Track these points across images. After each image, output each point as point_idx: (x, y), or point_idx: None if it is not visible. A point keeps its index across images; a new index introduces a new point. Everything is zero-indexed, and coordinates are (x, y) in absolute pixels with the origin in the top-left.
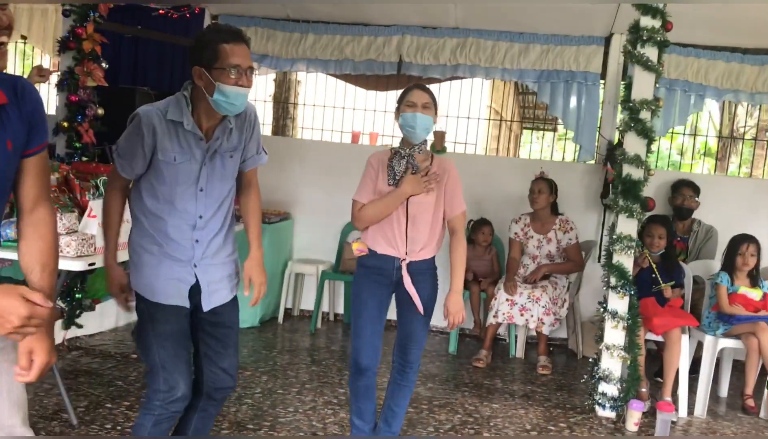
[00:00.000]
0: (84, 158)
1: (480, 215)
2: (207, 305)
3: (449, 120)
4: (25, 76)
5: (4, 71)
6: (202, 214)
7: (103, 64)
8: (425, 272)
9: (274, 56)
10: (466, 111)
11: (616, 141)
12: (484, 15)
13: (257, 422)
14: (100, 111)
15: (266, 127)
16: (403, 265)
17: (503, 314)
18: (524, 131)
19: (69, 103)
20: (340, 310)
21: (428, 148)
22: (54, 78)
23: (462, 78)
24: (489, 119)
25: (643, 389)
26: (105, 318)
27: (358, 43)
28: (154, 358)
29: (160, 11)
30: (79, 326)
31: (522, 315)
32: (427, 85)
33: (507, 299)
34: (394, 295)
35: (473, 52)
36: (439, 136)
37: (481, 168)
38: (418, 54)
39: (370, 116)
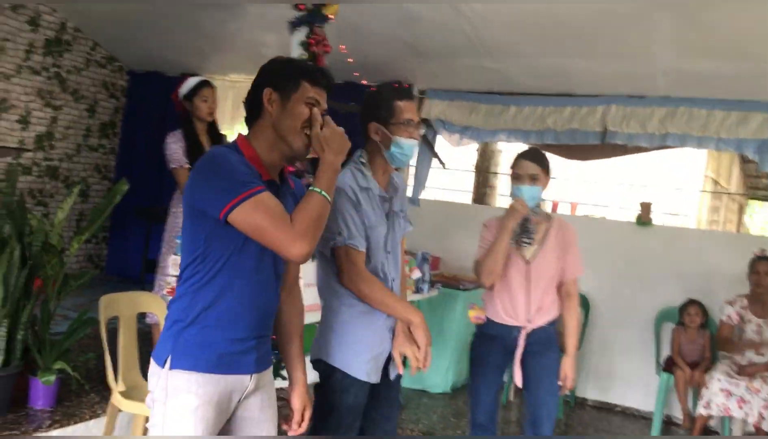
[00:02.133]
0: None
1: (690, 295)
2: (395, 372)
3: (658, 190)
4: None
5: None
6: (394, 277)
7: None
8: (549, 342)
9: (476, 127)
10: (679, 181)
11: None
12: (696, 83)
13: None
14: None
15: (467, 195)
16: (523, 333)
17: (717, 405)
18: (751, 202)
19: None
20: None
21: (546, 210)
22: None
23: (671, 147)
24: (705, 191)
25: None
26: (308, 372)
27: (560, 113)
28: (332, 427)
29: (372, 88)
30: (284, 378)
31: (740, 408)
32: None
33: (722, 389)
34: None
35: (684, 120)
36: (645, 207)
37: (692, 243)
38: (624, 123)
39: (571, 185)
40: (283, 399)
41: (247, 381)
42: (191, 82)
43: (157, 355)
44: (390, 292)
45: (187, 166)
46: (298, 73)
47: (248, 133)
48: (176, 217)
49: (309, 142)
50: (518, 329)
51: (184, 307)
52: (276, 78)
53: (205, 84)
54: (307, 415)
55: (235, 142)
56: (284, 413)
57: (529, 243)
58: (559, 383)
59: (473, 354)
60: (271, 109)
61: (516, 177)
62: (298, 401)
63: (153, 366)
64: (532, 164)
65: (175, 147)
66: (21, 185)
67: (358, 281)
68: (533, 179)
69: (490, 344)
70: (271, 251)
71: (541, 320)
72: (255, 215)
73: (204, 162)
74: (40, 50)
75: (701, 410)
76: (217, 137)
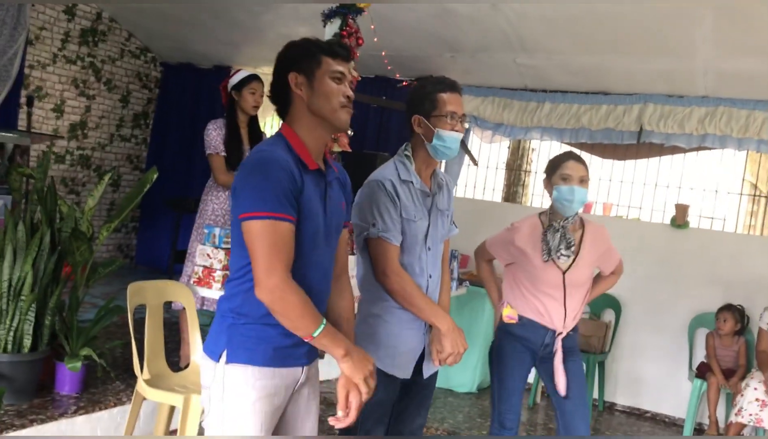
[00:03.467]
0: None
1: (726, 300)
2: (429, 371)
3: (695, 192)
4: None
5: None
6: (431, 273)
7: (349, 132)
8: (575, 347)
9: (509, 124)
10: (717, 183)
11: None
12: (737, 82)
13: None
14: None
15: (497, 193)
16: (559, 339)
17: (750, 414)
18: None
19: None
20: None
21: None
22: None
23: (710, 148)
24: (742, 194)
25: None
26: (333, 367)
27: (596, 111)
28: (359, 420)
29: (404, 82)
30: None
31: None
32: (664, 152)
33: (757, 399)
34: (540, 371)
35: (724, 121)
36: (681, 209)
37: (730, 247)
38: (661, 122)
39: (605, 186)
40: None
41: (299, 374)
42: (242, 73)
43: (210, 350)
44: (422, 293)
45: (223, 154)
46: (317, 50)
47: (288, 121)
48: (206, 205)
49: (351, 113)
50: (551, 333)
51: (237, 304)
52: (296, 60)
53: (255, 77)
54: (354, 403)
55: (280, 132)
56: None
57: (568, 256)
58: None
59: (500, 353)
60: (301, 92)
61: (564, 178)
62: (342, 389)
63: (206, 361)
64: (581, 166)
65: (214, 134)
66: (54, 173)
67: (390, 275)
68: (582, 181)
69: (519, 344)
70: (325, 243)
71: (571, 326)
72: (260, 237)
73: (253, 162)
74: (75, 40)
75: (733, 418)
76: (256, 132)
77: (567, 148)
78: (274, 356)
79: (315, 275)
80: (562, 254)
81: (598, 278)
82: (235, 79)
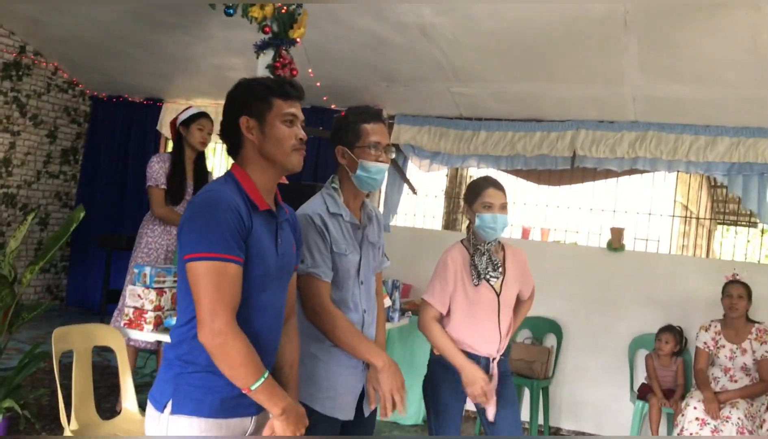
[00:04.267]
0: None
1: (664, 320)
2: (369, 409)
3: (629, 216)
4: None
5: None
6: (366, 308)
7: None
8: (507, 370)
9: (446, 153)
10: (650, 206)
11: None
12: (665, 108)
13: None
14: None
15: (437, 221)
16: (494, 365)
17: (691, 433)
18: (719, 227)
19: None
20: None
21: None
22: None
23: (641, 171)
24: (674, 216)
25: None
26: None
27: (530, 138)
28: None
29: (342, 113)
30: None
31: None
32: (599, 177)
33: (697, 418)
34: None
35: (654, 145)
36: (617, 232)
37: (665, 268)
38: (594, 147)
39: (541, 211)
40: None
41: (248, 423)
42: (192, 110)
43: (155, 399)
44: (354, 330)
45: (164, 187)
46: (268, 92)
47: (239, 161)
48: (141, 238)
49: (303, 154)
50: (485, 360)
51: (184, 351)
52: (247, 104)
53: (204, 115)
54: None
55: (230, 173)
56: None
57: (498, 277)
58: None
59: (434, 385)
60: (252, 136)
61: (487, 206)
62: (268, 429)
63: (150, 410)
64: (501, 193)
65: (157, 167)
66: None
67: (321, 314)
68: (503, 208)
69: (453, 375)
70: (277, 285)
71: (503, 349)
72: (205, 279)
73: (200, 202)
74: None
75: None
76: (202, 169)
77: (503, 174)
78: (222, 407)
79: (264, 318)
80: (491, 276)
81: (517, 307)
82: (184, 116)
